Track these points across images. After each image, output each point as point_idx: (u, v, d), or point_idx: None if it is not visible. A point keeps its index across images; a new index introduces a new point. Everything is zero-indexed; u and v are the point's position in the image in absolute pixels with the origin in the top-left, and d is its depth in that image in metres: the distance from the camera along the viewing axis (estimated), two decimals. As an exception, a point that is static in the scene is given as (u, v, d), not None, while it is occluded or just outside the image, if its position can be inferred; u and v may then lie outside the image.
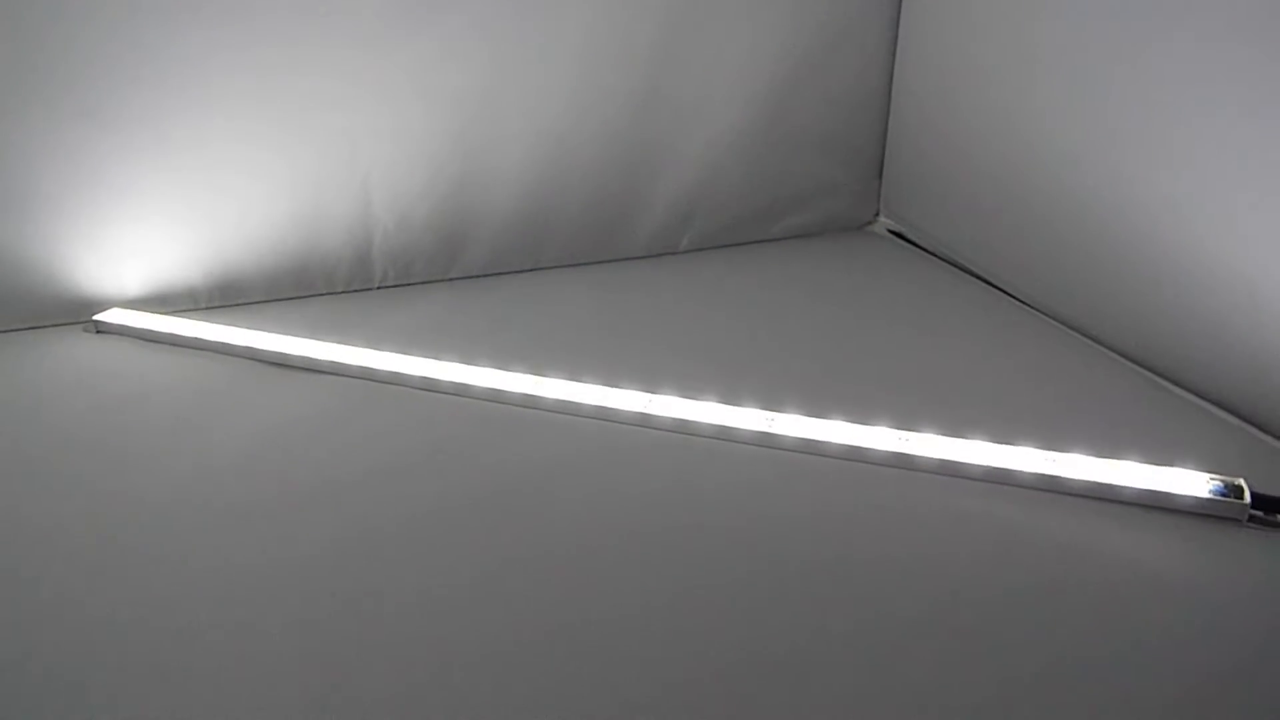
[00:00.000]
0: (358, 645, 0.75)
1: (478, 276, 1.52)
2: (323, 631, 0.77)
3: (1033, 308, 1.38)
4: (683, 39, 1.50)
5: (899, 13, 1.61)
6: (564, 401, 1.10)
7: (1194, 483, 0.89)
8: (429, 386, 1.16)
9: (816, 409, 1.05)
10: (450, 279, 1.51)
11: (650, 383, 1.12)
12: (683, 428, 1.05)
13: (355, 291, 1.47)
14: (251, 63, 1.29)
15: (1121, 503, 0.90)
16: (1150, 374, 1.18)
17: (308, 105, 1.34)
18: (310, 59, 1.31)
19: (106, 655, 0.75)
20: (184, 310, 1.37)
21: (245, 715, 0.69)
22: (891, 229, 1.73)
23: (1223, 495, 0.88)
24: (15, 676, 0.73)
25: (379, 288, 1.48)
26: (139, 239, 1.33)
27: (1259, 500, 0.87)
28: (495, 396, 1.13)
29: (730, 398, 1.08)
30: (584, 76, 1.46)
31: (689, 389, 1.10)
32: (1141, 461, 0.92)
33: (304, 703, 0.70)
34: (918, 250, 1.65)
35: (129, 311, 1.33)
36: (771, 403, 1.07)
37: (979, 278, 1.50)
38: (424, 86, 1.39)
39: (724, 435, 1.04)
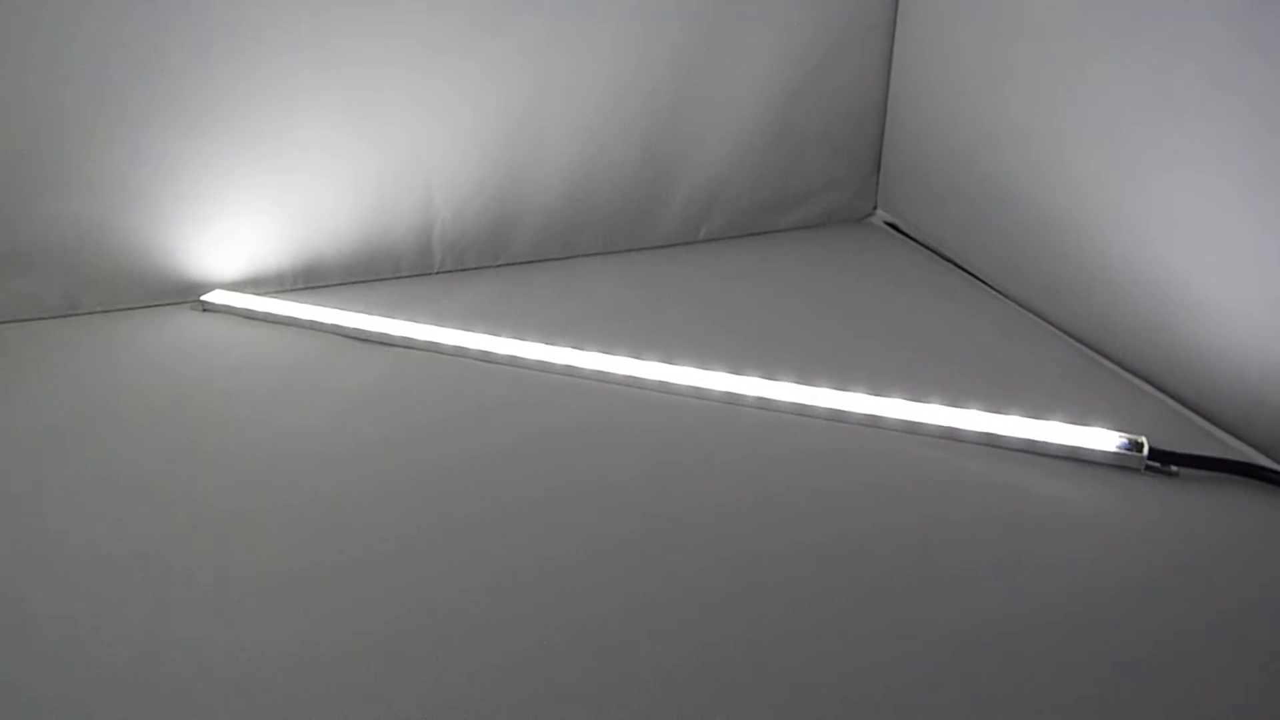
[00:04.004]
0: (434, 558, 0.98)
1: (522, 263, 1.73)
2: (401, 548, 1.00)
3: (1000, 293, 1.57)
4: (701, 51, 1.68)
5: (894, 26, 1.79)
6: (600, 371, 1.31)
7: (1106, 439, 1.10)
8: (486, 358, 1.37)
9: (808, 377, 1.26)
10: (499, 265, 1.72)
11: (670, 354, 1.32)
12: (698, 394, 1.27)
13: (417, 276, 1.67)
14: (334, 82, 1.51)
15: (1048, 455, 1.11)
16: (1088, 350, 1.37)
17: (379, 116, 1.56)
18: (382, 79, 1.53)
19: (240, 572, 0.95)
20: (273, 291, 1.60)
21: (340, 615, 0.91)
22: (888, 221, 1.92)
23: (1126, 449, 1.08)
24: (158, 601, 0.91)
25: (438, 273, 1.69)
26: (238, 229, 1.56)
27: (1155, 454, 1.07)
28: (543, 367, 1.34)
29: (738, 368, 1.29)
30: (615, 89, 1.66)
31: (704, 360, 1.31)
32: (1066, 421, 1.14)
33: (394, 600, 0.93)
34: (909, 241, 1.83)
35: (230, 292, 1.55)
36: (771, 372, 1.28)
37: (958, 265, 1.68)
38: (477, 99, 1.60)
39: (731, 400, 1.25)
